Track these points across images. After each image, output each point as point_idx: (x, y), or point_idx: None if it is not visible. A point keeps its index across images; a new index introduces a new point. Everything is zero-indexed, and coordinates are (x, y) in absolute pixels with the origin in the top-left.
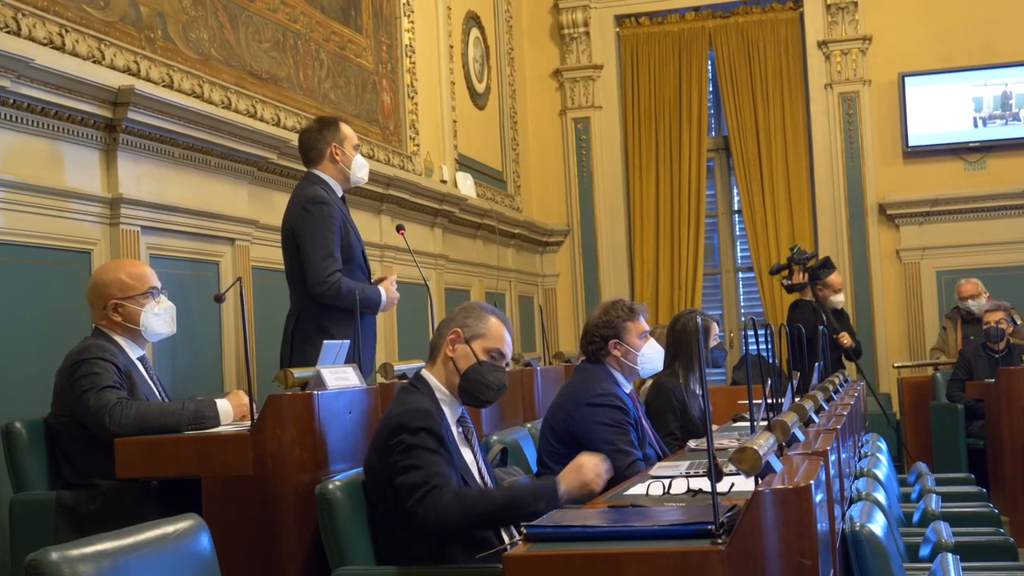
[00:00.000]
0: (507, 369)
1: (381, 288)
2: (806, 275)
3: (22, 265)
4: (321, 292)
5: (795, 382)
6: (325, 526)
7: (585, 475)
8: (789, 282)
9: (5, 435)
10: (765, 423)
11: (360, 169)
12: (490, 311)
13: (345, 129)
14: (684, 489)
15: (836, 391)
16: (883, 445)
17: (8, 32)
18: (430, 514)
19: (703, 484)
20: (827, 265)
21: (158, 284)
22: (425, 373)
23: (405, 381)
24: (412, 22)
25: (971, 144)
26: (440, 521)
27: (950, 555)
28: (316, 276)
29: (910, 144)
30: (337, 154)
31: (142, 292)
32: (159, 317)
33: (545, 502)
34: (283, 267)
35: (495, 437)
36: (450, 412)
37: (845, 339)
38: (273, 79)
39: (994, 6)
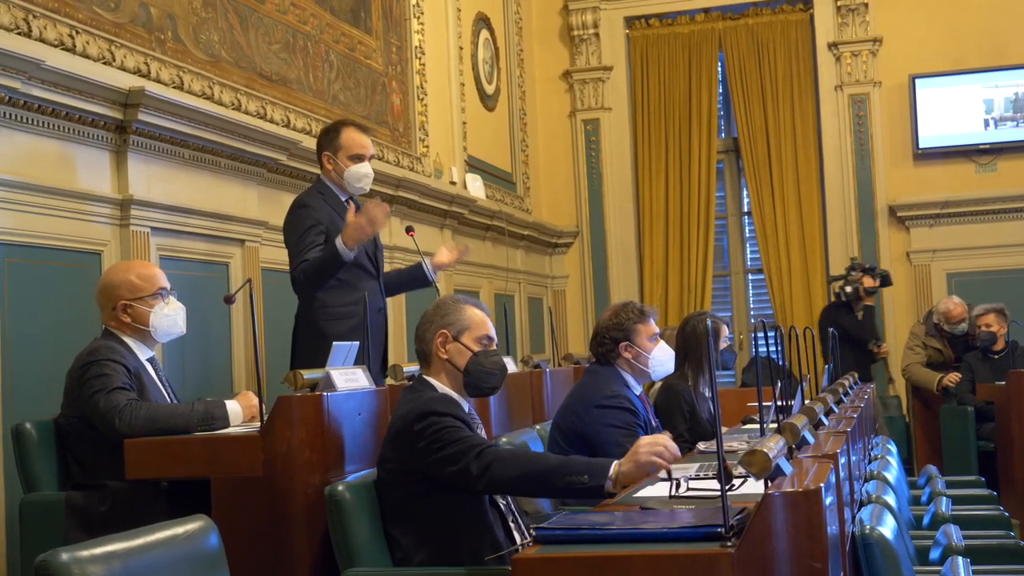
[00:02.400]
0: (498, 349)
1: (339, 239)
2: (878, 280)
3: (32, 266)
4: (295, 289)
5: (804, 385)
6: (334, 528)
7: (639, 457)
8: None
9: (15, 436)
10: (775, 425)
11: (357, 180)
12: (464, 301)
13: (345, 138)
14: (694, 491)
15: (846, 393)
16: (893, 448)
17: (19, 33)
18: (488, 471)
19: (713, 486)
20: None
21: (167, 285)
22: (426, 376)
23: (409, 383)
24: (422, 24)
25: (982, 146)
26: (498, 477)
27: (960, 558)
28: (290, 275)
29: (920, 146)
30: (328, 163)
31: (151, 293)
32: (168, 318)
33: (591, 475)
34: None
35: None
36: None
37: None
38: (283, 80)
39: (1005, 8)
